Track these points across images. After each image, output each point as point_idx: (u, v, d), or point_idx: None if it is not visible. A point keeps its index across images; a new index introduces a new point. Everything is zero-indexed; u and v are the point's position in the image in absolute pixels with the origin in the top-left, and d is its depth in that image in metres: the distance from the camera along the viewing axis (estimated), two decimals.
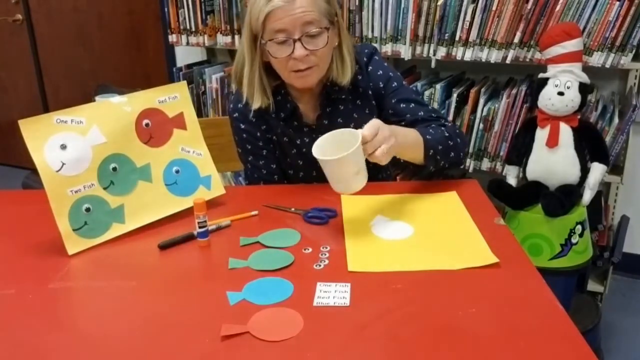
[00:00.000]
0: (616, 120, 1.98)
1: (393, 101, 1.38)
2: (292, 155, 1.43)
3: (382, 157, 1.08)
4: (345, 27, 1.35)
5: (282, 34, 1.21)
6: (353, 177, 1.07)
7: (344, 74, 1.33)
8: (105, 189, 1.13)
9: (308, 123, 1.40)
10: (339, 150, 1.05)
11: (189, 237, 1.10)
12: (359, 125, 1.37)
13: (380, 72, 1.39)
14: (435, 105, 2.20)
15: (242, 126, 1.41)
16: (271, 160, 1.44)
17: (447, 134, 1.30)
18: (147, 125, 1.19)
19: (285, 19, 1.20)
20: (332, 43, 1.29)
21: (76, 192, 1.09)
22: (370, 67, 1.39)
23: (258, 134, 1.41)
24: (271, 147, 1.44)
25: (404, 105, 1.38)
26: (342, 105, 1.38)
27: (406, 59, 2.20)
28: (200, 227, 1.07)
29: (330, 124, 1.39)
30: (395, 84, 1.39)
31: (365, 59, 1.38)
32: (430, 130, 1.29)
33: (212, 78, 2.61)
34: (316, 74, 1.29)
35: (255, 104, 1.33)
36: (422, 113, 1.37)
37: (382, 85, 1.39)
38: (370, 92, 1.39)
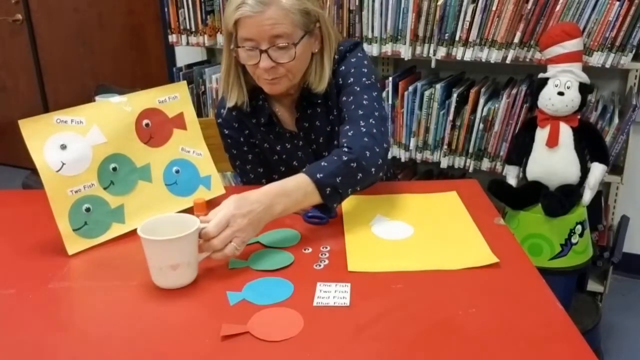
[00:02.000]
0: (616, 120, 1.98)
1: (343, 98, 1.30)
2: (274, 162, 1.43)
3: (232, 253, 0.96)
4: (332, 33, 1.28)
5: (249, 43, 1.18)
6: (167, 269, 0.92)
7: (321, 82, 1.28)
8: (105, 189, 1.13)
9: (288, 129, 1.38)
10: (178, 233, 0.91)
11: None
12: (333, 128, 1.35)
13: (343, 67, 1.32)
14: (435, 106, 2.20)
15: (226, 132, 1.41)
16: (257, 165, 1.44)
17: (345, 158, 1.12)
18: (147, 125, 1.19)
19: (253, 28, 1.16)
20: (305, 54, 1.24)
21: (76, 192, 1.09)
22: (340, 66, 1.33)
23: (241, 139, 1.41)
24: (256, 151, 1.43)
25: (345, 98, 1.29)
26: (319, 108, 1.35)
27: (406, 59, 2.20)
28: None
29: (309, 128, 1.37)
30: (351, 79, 1.29)
31: (337, 57, 1.32)
32: (323, 163, 1.12)
33: (212, 78, 2.61)
34: (285, 83, 1.25)
35: (231, 101, 1.32)
36: (351, 114, 1.25)
37: (341, 82, 1.32)
38: (335, 91, 1.33)
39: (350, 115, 1.25)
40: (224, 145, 1.45)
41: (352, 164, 1.13)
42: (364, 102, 1.26)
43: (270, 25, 1.15)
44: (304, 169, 1.12)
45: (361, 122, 1.22)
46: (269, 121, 1.37)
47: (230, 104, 1.33)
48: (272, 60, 1.19)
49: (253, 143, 1.43)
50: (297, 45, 1.20)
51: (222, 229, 0.96)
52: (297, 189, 1.08)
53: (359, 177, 1.14)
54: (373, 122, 1.22)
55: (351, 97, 1.28)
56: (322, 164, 1.12)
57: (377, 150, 1.18)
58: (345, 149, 1.16)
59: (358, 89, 1.29)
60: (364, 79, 1.30)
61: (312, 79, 1.29)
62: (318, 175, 1.09)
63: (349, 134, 1.20)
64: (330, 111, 1.36)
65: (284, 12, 1.16)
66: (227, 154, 1.46)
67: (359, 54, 1.34)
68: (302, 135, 1.38)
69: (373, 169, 1.16)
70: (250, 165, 1.44)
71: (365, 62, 1.34)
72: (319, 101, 1.34)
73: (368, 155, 1.16)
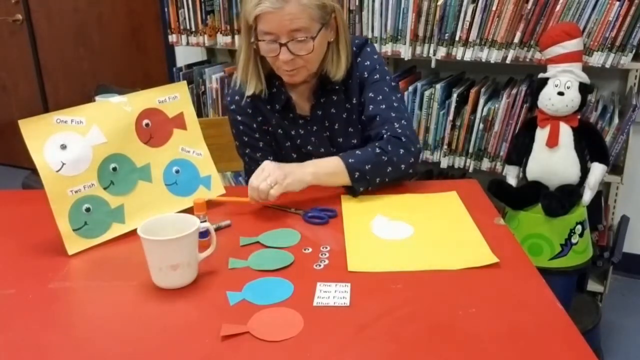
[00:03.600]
0: (616, 120, 1.98)
1: (370, 94, 1.36)
2: (286, 148, 1.45)
3: (266, 188, 1.16)
4: (346, 24, 1.35)
5: (269, 36, 1.23)
6: (167, 269, 0.92)
7: (338, 69, 1.33)
8: (105, 189, 1.13)
9: (303, 115, 1.41)
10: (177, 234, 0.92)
11: None
12: (350, 115, 1.39)
13: (368, 62, 1.38)
14: (435, 106, 2.20)
15: (239, 118, 1.42)
16: (268, 152, 1.45)
17: (378, 151, 1.27)
18: (147, 125, 1.19)
19: (273, 23, 1.21)
20: (323, 45, 1.29)
21: (76, 192, 1.09)
22: (359, 58, 1.38)
23: (254, 126, 1.42)
24: (267, 138, 1.45)
25: (372, 95, 1.36)
26: (336, 95, 1.39)
27: (406, 59, 2.20)
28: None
29: (324, 114, 1.40)
30: (378, 76, 1.37)
31: (355, 49, 1.38)
32: (357, 152, 1.27)
33: (212, 78, 2.61)
34: (304, 73, 1.30)
35: (249, 90, 1.35)
36: (383, 114, 1.33)
37: (366, 76, 1.38)
38: (358, 82, 1.38)
39: (383, 116, 1.33)
40: (235, 132, 1.46)
41: (383, 157, 1.27)
42: (395, 104, 1.35)
43: (290, 20, 1.20)
44: (339, 154, 1.26)
45: (396, 124, 1.32)
46: (284, 106, 1.40)
47: (249, 92, 1.36)
48: (291, 53, 1.23)
49: (266, 130, 1.44)
50: (315, 38, 1.24)
51: (260, 175, 1.17)
52: (328, 164, 1.25)
53: (388, 170, 1.27)
54: (405, 123, 1.33)
55: (380, 96, 1.35)
56: (356, 152, 1.28)
57: (412, 150, 1.30)
58: (380, 146, 1.28)
59: (387, 89, 1.36)
60: (388, 78, 1.38)
61: (330, 68, 1.34)
62: (350, 160, 1.25)
63: (387, 135, 1.30)
64: (348, 99, 1.39)
65: (302, 7, 1.20)
66: (237, 141, 1.47)
67: (376, 51, 1.42)
68: (316, 121, 1.41)
69: (403, 166, 1.29)
70: (261, 153, 1.44)
71: (383, 60, 1.42)
72: (336, 88, 1.38)
73: (402, 153, 1.28)
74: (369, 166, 1.25)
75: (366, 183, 1.26)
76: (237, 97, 1.40)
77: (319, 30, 1.24)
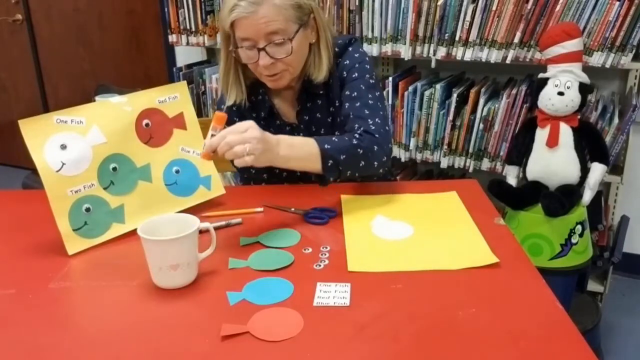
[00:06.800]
0: (616, 120, 1.98)
1: (347, 93, 1.34)
2: None
3: (241, 152, 1.01)
4: (325, 23, 1.32)
5: (247, 42, 1.22)
6: (167, 269, 0.92)
7: (320, 70, 1.31)
8: (105, 189, 1.13)
9: (288, 122, 1.40)
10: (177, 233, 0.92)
11: None
12: (334, 119, 1.38)
13: (347, 61, 1.36)
14: (435, 106, 2.20)
15: (227, 127, 1.41)
16: None
17: (355, 142, 1.20)
18: (147, 125, 1.19)
19: (249, 28, 1.19)
20: (303, 47, 1.27)
21: (76, 192, 1.09)
22: (340, 59, 1.37)
23: None
24: None
25: (348, 93, 1.33)
26: (320, 99, 1.38)
27: (406, 59, 2.20)
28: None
29: (310, 120, 1.39)
30: (356, 74, 1.34)
31: (338, 49, 1.36)
32: (334, 139, 1.19)
33: (212, 78, 2.61)
34: (287, 77, 1.28)
35: (230, 100, 1.34)
36: (356, 112, 1.29)
37: (345, 75, 1.36)
38: (339, 83, 1.36)
39: (356, 112, 1.29)
40: None
41: (359, 150, 1.20)
42: (370, 101, 1.31)
43: (265, 23, 1.18)
44: (315, 137, 1.18)
45: (369, 120, 1.27)
46: (269, 114, 1.39)
47: (229, 102, 1.34)
48: (271, 57, 1.22)
49: None
50: (293, 39, 1.22)
51: (242, 130, 1.04)
52: (303, 146, 1.15)
53: (361, 165, 1.21)
54: (379, 121, 1.28)
55: (355, 93, 1.32)
56: (333, 138, 1.20)
57: (384, 148, 1.25)
58: (358, 138, 1.22)
59: (363, 87, 1.33)
60: (367, 76, 1.34)
61: (312, 70, 1.32)
62: (326, 146, 1.16)
63: (359, 131, 1.25)
64: (331, 103, 1.38)
65: (276, 9, 1.19)
66: None
67: (360, 50, 1.39)
68: (302, 128, 1.40)
69: (376, 163, 1.23)
70: None
71: (367, 58, 1.39)
72: (320, 93, 1.36)
73: (375, 149, 1.23)
74: (344, 156, 1.17)
75: (337, 174, 1.18)
76: (223, 106, 1.39)
77: (296, 31, 1.23)
